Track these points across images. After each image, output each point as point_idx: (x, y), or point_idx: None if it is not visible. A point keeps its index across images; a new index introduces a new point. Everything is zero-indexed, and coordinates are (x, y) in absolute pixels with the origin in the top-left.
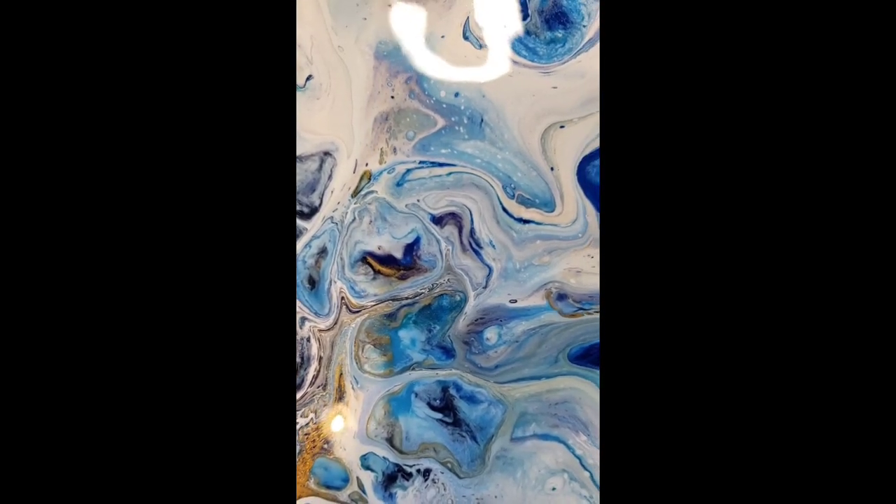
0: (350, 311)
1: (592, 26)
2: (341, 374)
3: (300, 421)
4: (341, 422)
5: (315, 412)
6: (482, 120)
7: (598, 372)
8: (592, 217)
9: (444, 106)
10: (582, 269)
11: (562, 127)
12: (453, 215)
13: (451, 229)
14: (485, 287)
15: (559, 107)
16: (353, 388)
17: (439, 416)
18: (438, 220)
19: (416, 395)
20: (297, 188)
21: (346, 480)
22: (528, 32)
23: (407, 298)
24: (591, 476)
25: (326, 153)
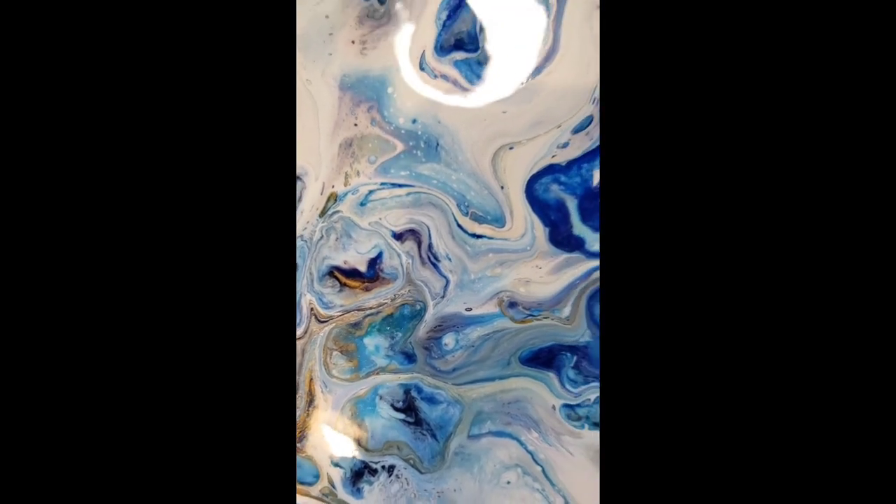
0: (319, 321)
1: (538, 56)
2: (311, 379)
3: None
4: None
5: None
6: (438, 144)
7: (547, 373)
8: (539, 231)
9: (403, 132)
10: (531, 279)
11: (511, 148)
12: (413, 232)
13: (410, 244)
14: (442, 297)
15: (508, 130)
16: (322, 391)
17: (402, 416)
18: (399, 237)
19: (381, 397)
20: None
21: (318, 477)
22: (479, 62)
23: (371, 308)
24: (543, 470)
25: (296, 177)
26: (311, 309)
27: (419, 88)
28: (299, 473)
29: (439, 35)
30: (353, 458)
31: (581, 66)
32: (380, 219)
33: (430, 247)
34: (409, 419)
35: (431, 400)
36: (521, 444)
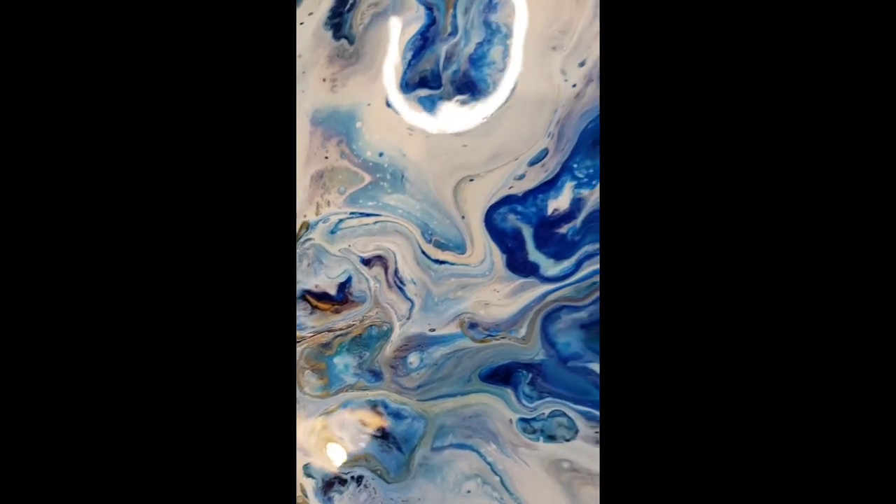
0: None
1: (497, 93)
2: None
3: None
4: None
5: None
6: (403, 176)
7: (504, 389)
8: (497, 257)
9: (371, 164)
10: (490, 302)
11: (471, 180)
12: (380, 257)
13: (378, 269)
14: (408, 318)
15: (469, 163)
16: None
17: (370, 430)
18: (367, 262)
19: (350, 412)
20: None
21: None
22: (440, 98)
23: (340, 329)
24: (501, 480)
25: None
26: None
27: (386, 124)
28: None
29: (405, 73)
30: (323, 468)
31: (537, 102)
32: (349, 246)
33: (396, 272)
34: (377, 433)
35: (397, 415)
36: (481, 455)
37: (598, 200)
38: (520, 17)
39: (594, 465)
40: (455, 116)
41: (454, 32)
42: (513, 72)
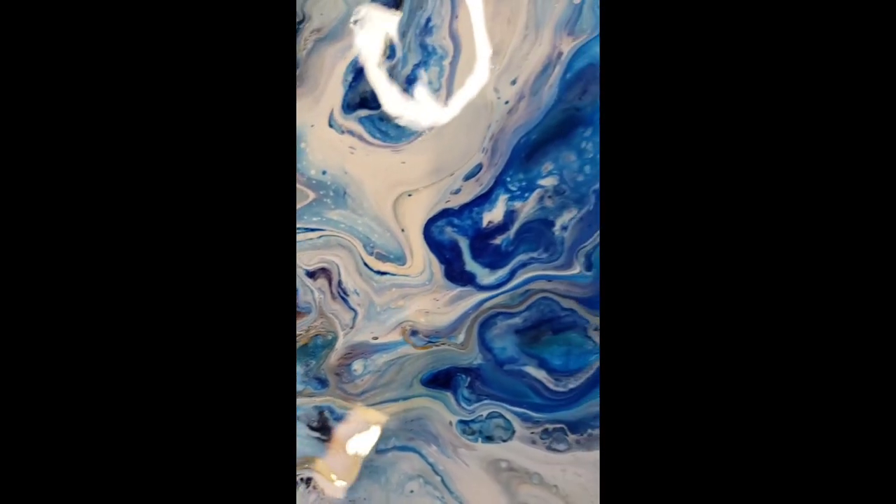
0: None
1: (433, 112)
2: None
3: None
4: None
5: None
6: (345, 192)
7: (444, 393)
8: (436, 268)
9: (314, 182)
10: (430, 310)
11: (409, 195)
12: (324, 270)
13: (322, 281)
14: (352, 327)
15: (407, 179)
16: None
17: (317, 434)
18: (312, 275)
19: (298, 418)
20: None
21: None
22: (380, 118)
23: None
24: (442, 480)
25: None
26: None
27: (328, 143)
28: None
29: (346, 95)
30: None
31: (472, 120)
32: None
33: (339, 283)
34: (324, 437)
35: (343, 420)
36: (423, 456)
37: (530, 212)
38: (454, 39)
39: (531, 465)
40: (394, 134)
41: (392, 55)
42: (448, 91)
